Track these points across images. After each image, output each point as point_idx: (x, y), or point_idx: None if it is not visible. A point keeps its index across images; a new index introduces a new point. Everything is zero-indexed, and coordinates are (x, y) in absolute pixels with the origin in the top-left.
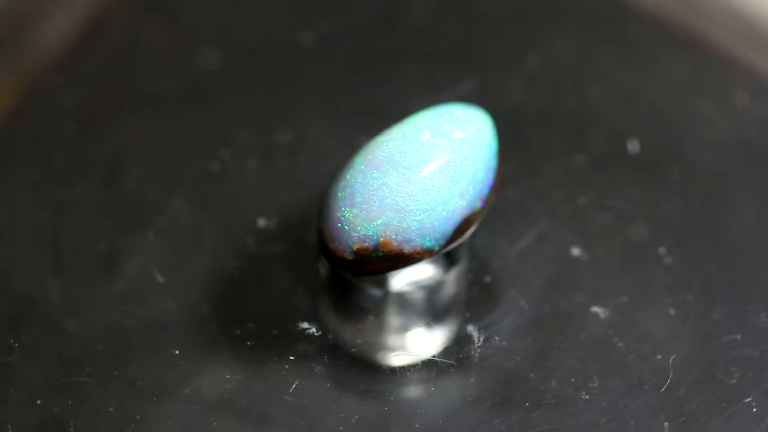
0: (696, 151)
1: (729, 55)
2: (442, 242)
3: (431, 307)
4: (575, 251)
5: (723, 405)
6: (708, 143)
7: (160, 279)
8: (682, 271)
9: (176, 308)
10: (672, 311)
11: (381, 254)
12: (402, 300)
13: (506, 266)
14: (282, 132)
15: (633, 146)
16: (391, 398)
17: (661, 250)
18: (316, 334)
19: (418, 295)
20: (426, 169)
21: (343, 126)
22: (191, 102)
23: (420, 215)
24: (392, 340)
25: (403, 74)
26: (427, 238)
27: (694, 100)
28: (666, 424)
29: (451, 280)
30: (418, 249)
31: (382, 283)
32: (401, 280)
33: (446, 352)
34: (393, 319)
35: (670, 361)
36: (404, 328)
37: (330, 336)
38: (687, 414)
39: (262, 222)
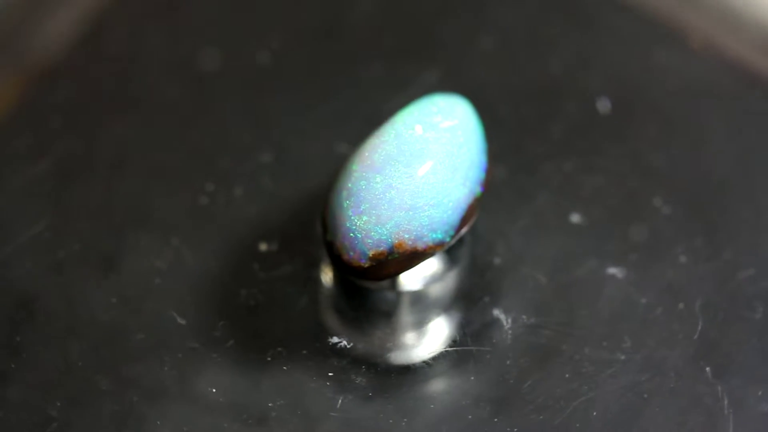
0: (665, 99)
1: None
2: (452, 233)
3: (450, 299)
4: (575, 218)
5: (756, 340)
6: (675, 90)
7: (181, 321)
8: (682, 218)
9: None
10: (683, 259)
11: (396, 256)
12: (419, 297)
13: (512, 245)
14: (261, 153)
15: (603, 105)
16: (436, 394)
17: (657, 201)
18: (347, 346)
19: (434, 290)
20: (426, 164)
21: (320, 135)
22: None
23: (428, 210)
24: (421, 337)
25: (368, 74)
26: (438, 232)
27: (650, 51)
28: (708, 368)
29: (462, 269)
30: (430, 244)
31: (394, 285)
32: (412, 279)
33: (478, 338)
34: (415, 317)
35: (696, 307)
36: (430, 323)
37: (360, 345)
38: (723, 356)
39: (263, 246)
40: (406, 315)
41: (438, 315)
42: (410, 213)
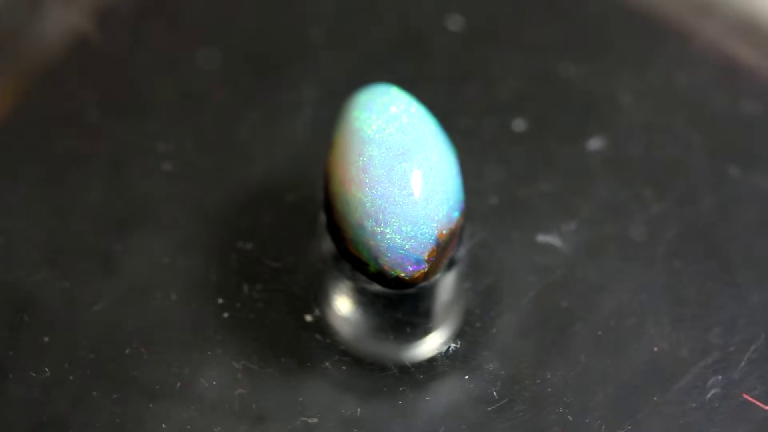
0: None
1: None
2: (461, 205)
3: (449, 298)
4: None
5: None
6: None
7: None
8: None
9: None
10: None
11: (443, 245)
12: (418, 297)
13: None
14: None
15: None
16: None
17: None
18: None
19: (434, 290)
20: (424, 148)
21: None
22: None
23: (441, 190)
24: (421, 337)
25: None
26: (454, 207)
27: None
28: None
29: (461, 269)
30: (455, 221)
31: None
32: None
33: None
34: (415, 317)
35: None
36: (430, 323)
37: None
38: None
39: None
40: (405, 315)
41: (438, 315)
42: (430, 201)
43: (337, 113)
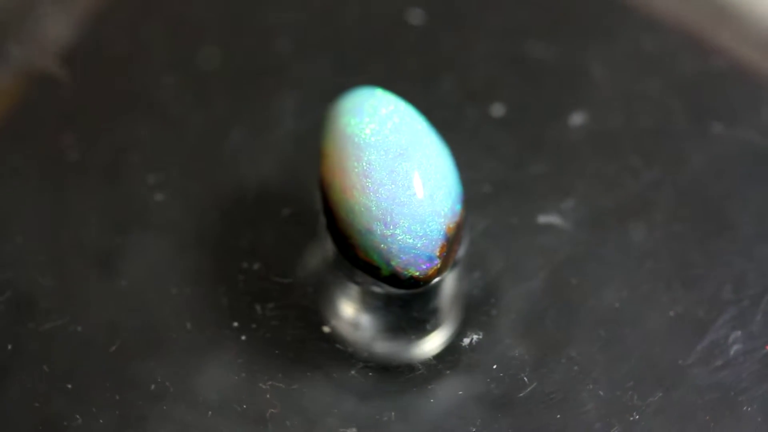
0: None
1: None
2: (462, 197)
3: (450, 298)
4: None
5: None
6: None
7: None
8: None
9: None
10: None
11: (451, 239)
12: (418, 297)
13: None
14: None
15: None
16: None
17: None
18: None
19: (434, 290)
20: (421, 146)
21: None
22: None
23: (443, 185)
24: (421, 337)
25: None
26: (457, 201)
27: None
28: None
29: (461, 269)
30: (459, 214)
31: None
32: None
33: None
34: (415, 317)
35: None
36: (430, 323)
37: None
38: None
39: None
40: (421, 313)
41: (453, 308)
42: (435, 197)
43: (317, 121)
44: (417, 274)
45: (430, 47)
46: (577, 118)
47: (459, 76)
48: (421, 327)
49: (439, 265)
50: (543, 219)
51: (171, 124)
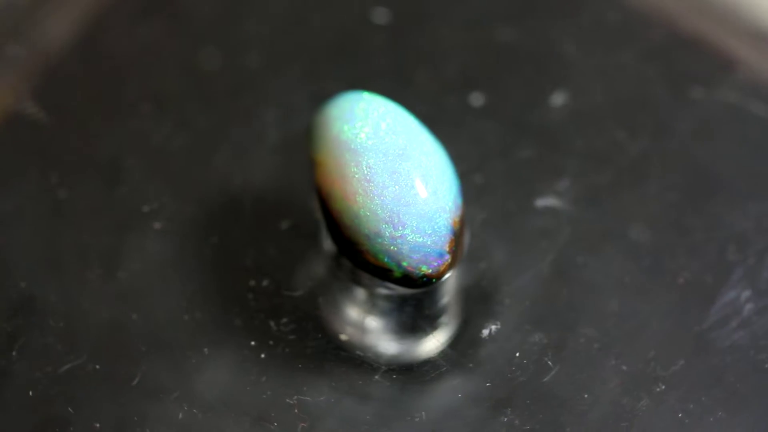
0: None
1: None
2: (461, 190)
3: (450, 298)
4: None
5: None
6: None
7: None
8: None
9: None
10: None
11: (458, 232)
12: (418, 297)
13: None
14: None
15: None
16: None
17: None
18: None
19: (434, 290)
20: (418, 144)
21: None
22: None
23: (444, 180)
24: (421, 337)
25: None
26: (458, 195)
27: None
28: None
29: (461, 269)
30: (461, 207)
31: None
32: None
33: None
34: (415, 316)
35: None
36: (430, 323)
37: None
38: None
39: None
40: (420, 314)
41: (438, 314)
42: (438, 193)
43: (301, 131)
44: (430, 271)
45: (400, 45)
46: (557, 99)
47: (433, 70)
48: (437, 324)
49: (449, 260)
50: (541, 202)
51: (154, 152)
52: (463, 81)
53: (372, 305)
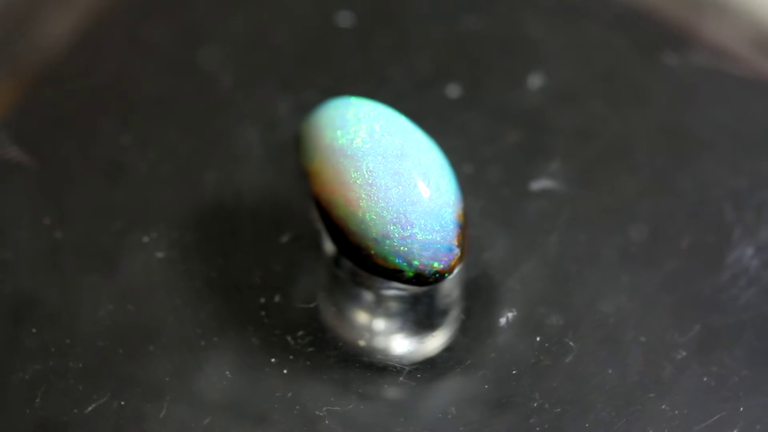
0: None
1: None
2: (458, 182)
3: (450, 298)
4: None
5: None
6: None
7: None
8: None
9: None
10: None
11: (464, 226)
12: (419, 297)
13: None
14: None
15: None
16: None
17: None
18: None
19: (434, 290)
20: (413, 142)
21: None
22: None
23: (444, 175)
24: (421, 337)
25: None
26: (457, 187)
27: None
28: None
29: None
30: (462, 200)
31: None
32: None
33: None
34: (415, 316)
35: None
36: (430, 323)
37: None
38: None
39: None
40: (434, 310)
41: (453, 309)
42: (441, 188)
43: (287, 144)
44: (441, 267)
45: (369, 46)
46: (534, 81)
47: (405, 67)
48: (454, 318)
49: (459, 254)
50: (535, 185)
51: (142, 182)
52: (437, 74)
53: (385, 307)
